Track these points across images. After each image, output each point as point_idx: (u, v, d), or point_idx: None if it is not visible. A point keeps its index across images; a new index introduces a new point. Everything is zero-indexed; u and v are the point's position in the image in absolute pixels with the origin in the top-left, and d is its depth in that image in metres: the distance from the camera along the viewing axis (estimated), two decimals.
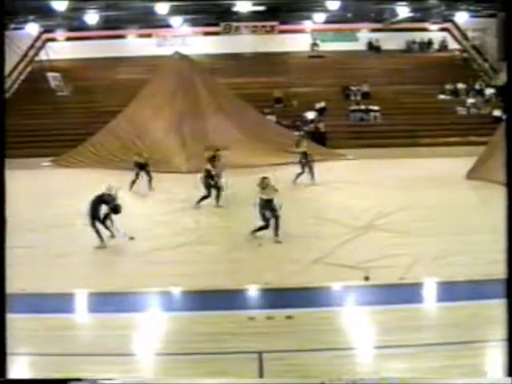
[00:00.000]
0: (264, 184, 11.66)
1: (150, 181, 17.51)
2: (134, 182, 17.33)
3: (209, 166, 15.25)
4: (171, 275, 9.68)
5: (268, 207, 11.57)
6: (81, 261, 10.73)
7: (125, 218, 12.94)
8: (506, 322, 4.70)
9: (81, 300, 8.87)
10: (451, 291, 8.76)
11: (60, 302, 8.46)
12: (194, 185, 18.50)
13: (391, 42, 33.81)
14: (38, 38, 32.63)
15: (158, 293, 8.86)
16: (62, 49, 32.53)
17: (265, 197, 11.55)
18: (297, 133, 26.59)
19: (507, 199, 4.62)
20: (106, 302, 8.76)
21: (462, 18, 31.52)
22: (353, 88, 30.90)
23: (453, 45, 34.05)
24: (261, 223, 11.70)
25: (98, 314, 8.14)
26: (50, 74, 30.26)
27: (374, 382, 5.72)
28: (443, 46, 34.23)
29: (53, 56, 31.34)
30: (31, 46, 32.22)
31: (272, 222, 11.64)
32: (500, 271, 5.10)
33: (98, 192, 11.72)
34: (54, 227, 13.23)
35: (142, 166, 17.48)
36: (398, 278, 9.19)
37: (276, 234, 11.66)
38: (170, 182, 18.48)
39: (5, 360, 4.77)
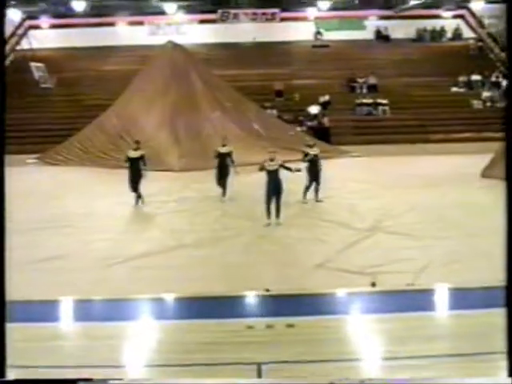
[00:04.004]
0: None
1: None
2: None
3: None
4: (164, 280, 9.73)
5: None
6: (67, 265, 10.75)
7: (116, 220, 13.00)
8: (506, 322, 4.75)
9: (67, 308, 8.89)
10: (464, 298, 8.79)
11: (45, 310, 8.48)
12: (187, 184, 18.58)
13: (401, 30, 33.95)
14: (20, 24, 32.72)
15: (150, 300, 8.88)
16: (46, 37, 32.66)
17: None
18: (299, 128, 26.67)
19: (507, 199, 4.65)
20: (94, 309, 8.79)
21: (477, 4, 31.60)
22: (359, 80, 31.00)
23: (467, 33, 34.18)
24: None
25: (84, 322, 8.15)
26: (33, 65, 30.29)
27: (381, 383, 5.77)
28: (457, 35, 34.34)
29: (36, 45, 31.44)
30: (13, 34, 32.26)
31: None
32: None
33: None
34: (38, 229, 13.28)
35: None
36: (407, 283, 9.23)
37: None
38: (162, 181, 18.51)
39: (5, 360, 4.81)
